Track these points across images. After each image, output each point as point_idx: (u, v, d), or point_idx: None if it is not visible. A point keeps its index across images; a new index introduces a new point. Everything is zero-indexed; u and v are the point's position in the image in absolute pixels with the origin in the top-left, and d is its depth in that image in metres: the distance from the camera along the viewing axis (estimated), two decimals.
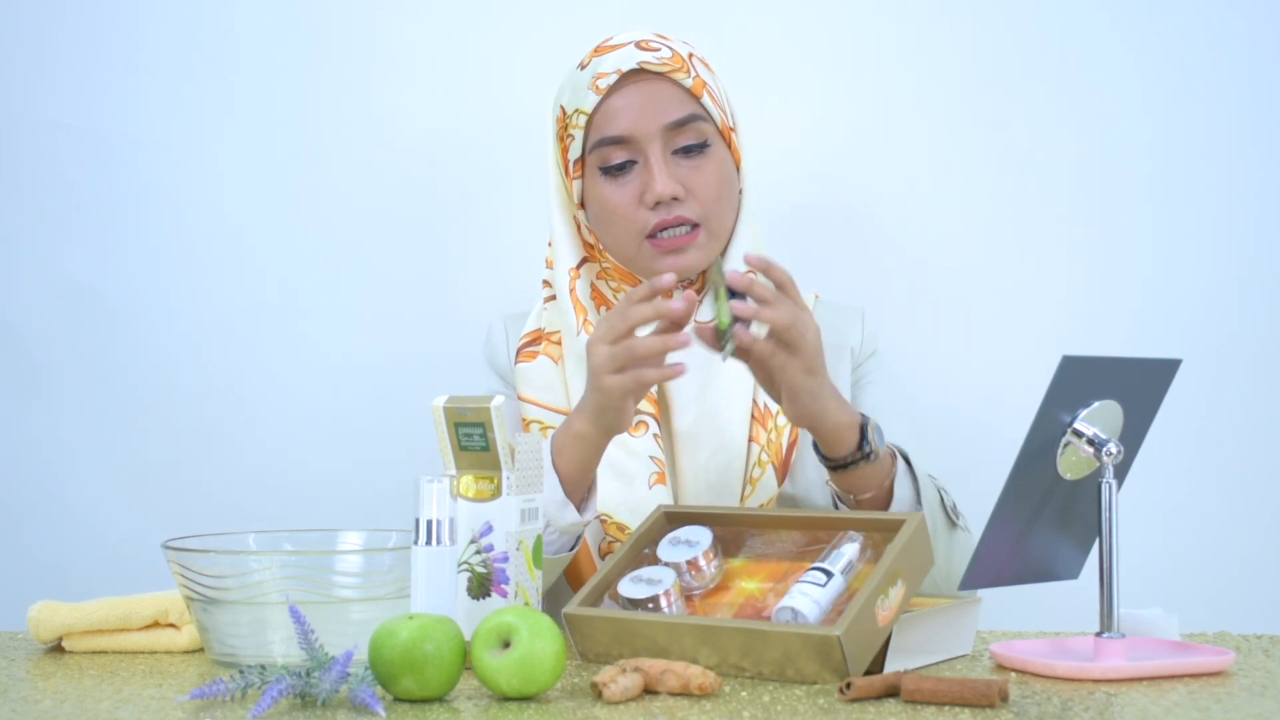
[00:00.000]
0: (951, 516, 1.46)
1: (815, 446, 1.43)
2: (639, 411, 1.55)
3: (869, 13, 1.97)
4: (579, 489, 1.44)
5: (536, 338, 1.65)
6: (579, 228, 1.63)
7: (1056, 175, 1.94)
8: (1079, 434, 1.22)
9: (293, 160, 2.01)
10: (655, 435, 1.55)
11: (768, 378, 1.39)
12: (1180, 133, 1.93)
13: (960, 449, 1.90)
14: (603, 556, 1.55)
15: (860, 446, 1.39)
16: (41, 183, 2.03)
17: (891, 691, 1.13)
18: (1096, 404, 1.22)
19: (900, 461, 1.45)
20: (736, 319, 1.34)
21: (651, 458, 1.54)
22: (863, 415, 1.41)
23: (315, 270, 2.01)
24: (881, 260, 1.96)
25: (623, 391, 1.37)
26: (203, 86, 2.02)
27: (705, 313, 1.56)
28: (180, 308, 2.02)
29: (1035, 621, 1.55)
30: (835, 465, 1.41)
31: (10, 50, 2.03)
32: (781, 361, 1.35)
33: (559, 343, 1.63)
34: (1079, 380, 1.20)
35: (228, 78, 2.02)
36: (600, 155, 1.56)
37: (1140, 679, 1.19)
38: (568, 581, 1.57)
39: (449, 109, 2.00)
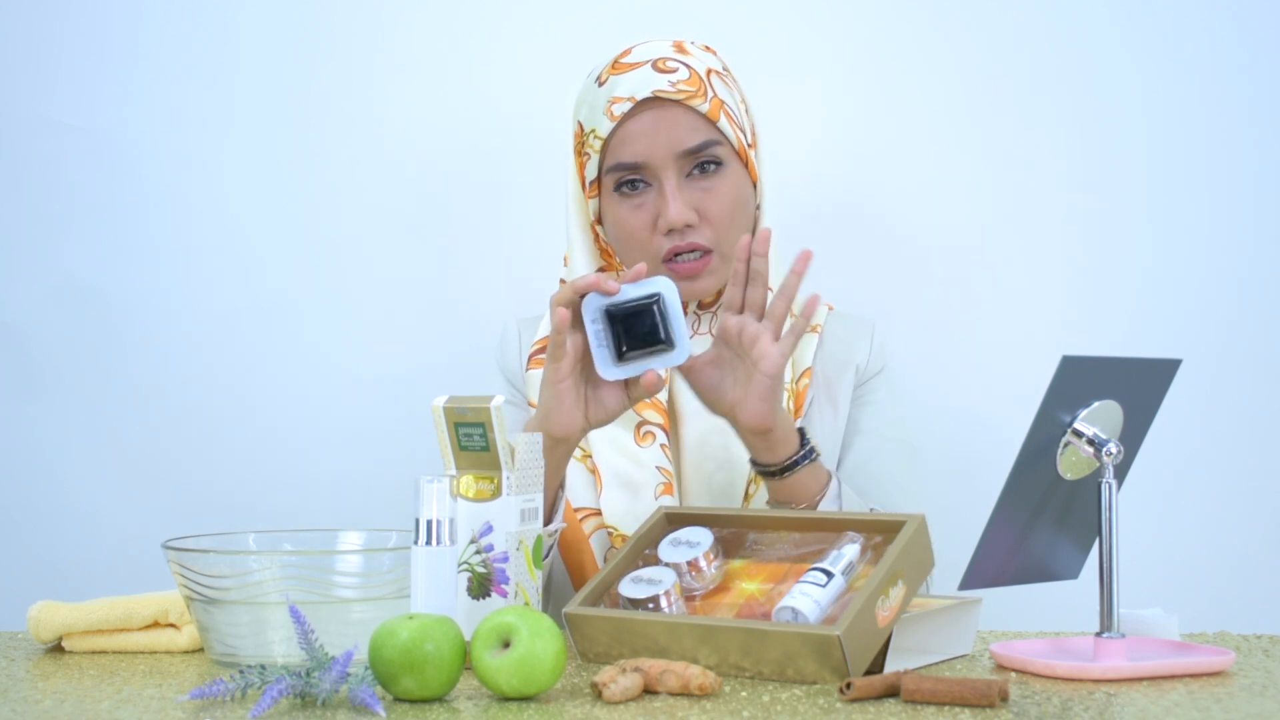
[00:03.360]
0: None
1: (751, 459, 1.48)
2: (647, 422, 1.56)
3: (872, 19, 1.97)
4: None
5: (545, 345, 1.66)
6: (597, 238, 1.64)
7: (1057, 176, 1.94)
8: (1079, 434, 1.22)
9: (294, 160, 2.01)
10: (663, 446, 1.56)
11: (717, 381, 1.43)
12: (1180, 133, 1.93)
13: (961, 449, 1.90)
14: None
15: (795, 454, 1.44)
16: (42, 183, 2.03)
17: (891, 691, 1.13)
18: (1096, 404, 1.22)
19: (832, 486, 1.48)
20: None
21: (659, 468, 1.55)
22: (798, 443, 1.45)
23: (316, 271, 2.01)
24: (881, 261, 1.96)
25: (552, 349, 1.38)
26: (205, 87, 2.02)
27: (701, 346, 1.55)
28: (181, 308, 2.02)
29: (1035, 621, 1.55)
30: (766, 470, 1.46)
31: (12, 50, 2.03)
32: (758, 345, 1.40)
33: None
34: (1079, 380, 1.20)
35: (230, 78, 2.02)
36: (615, 178, 1.57)
37: (1140, 679, 1.19)
38: (572, 584, 1.58)
39: (457, 109, 2.00)
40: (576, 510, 1.56)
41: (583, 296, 1.38)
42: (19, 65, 2.03)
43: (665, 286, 1.38)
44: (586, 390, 1.40)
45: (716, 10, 1.96)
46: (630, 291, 1.37)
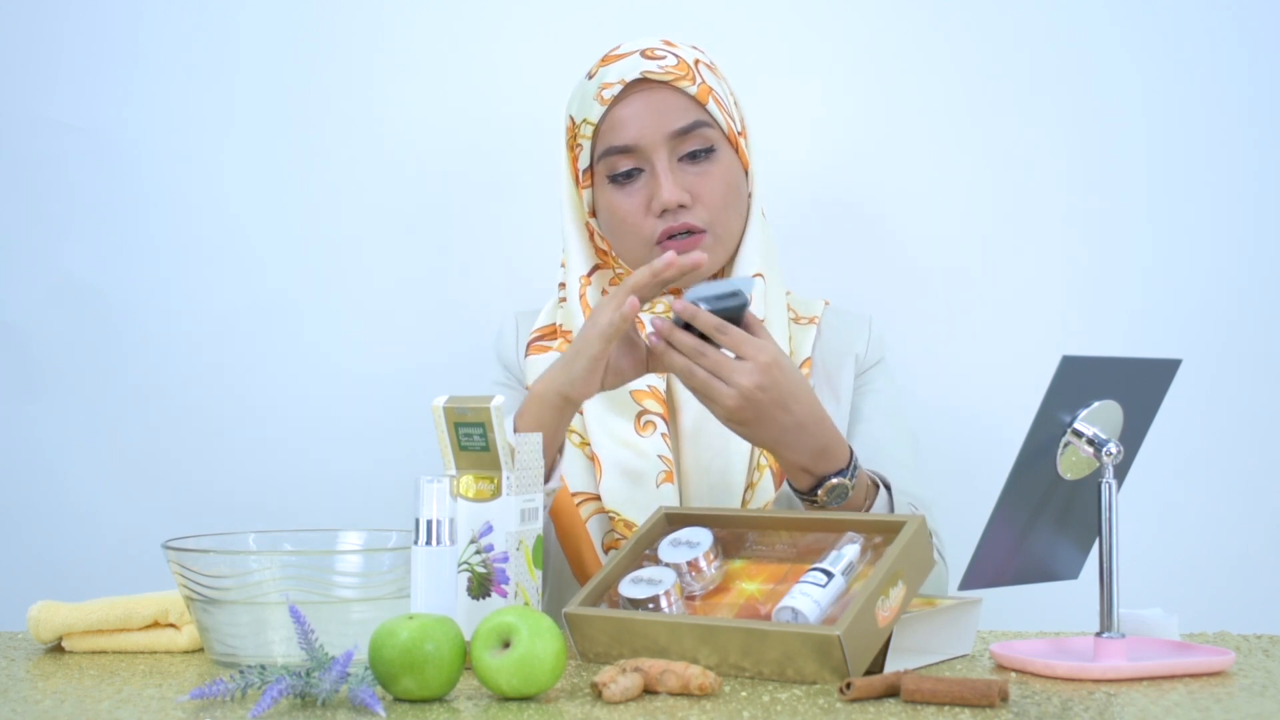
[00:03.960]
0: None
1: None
2: (647, 412, 1.56)
3: (872, 19, 1.97)
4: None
5: (551, 332, 1.66)
6: (591, 235, 1.64)
7: (1057, 176, 1.94)
8: (1079, 434, 1.22)
9: (294, 160, 2.02)
10: (663, 435, 1.56)
11: None
12: (1180, 133, 1.93)
13: (961, 449, 1.90)
14: (606, 551, 1.55)
15: (810, 492, 1.41)
16: (42, 183, 2.03)
17: (891, 691, 1.13)
18: (1096, 404, 1.22)
19: (880, 495, 1.45)
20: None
21: (660, 456, 1.55)
22: (826, 473, 1.40)
23: (316, 271, 2.01)
24: (882, 261, 1.96)
25: (600, 330, 1.36)
26: (205, 87, 2.02)
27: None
28: (181, 307, 2.02)
29: (1035, 621, 1.55)
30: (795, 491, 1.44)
31: (12, 50, 2.03)
32: (701, 400, 1.38)
33: (572, 340, 1.64)
34: (1079, 380, 1.20)
35: (230, 78, 2.02)
36: (608, 164, 1.57)
37: (1140, 679, 1.19)
38: (574, 575, 1.58)
39: (455, 109, 2.00)
40: (574, 495, 1.56)
41: (664, 287, 1.37)
42: (19, 65, 2.03)
43: (749, 285, 1.36)
44: (608, 359, 1.40)
45: (716, 10, 1.97)
46: (713, 287, 1.36)
